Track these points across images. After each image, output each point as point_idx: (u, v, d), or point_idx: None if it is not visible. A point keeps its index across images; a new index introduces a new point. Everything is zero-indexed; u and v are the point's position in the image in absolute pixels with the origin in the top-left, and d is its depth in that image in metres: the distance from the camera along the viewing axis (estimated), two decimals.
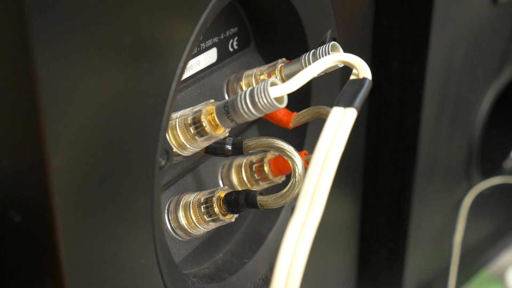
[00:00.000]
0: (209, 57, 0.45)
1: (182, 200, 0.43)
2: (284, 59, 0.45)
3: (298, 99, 0.44)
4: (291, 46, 0.47)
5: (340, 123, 0.35)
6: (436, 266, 0.67)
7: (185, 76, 0.43)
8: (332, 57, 0.39)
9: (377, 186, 0.61)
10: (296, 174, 0.41)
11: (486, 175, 0.67)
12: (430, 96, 0.56)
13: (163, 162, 0.37)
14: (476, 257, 0.72)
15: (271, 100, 0.36)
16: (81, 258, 0.33)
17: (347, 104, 0.36)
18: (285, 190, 0.41)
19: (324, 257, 0.58)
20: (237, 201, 0.42)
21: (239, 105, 0.37)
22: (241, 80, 0.46)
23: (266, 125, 0.49)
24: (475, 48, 0.59)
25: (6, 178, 0.32)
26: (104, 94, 0.32)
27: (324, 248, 0.57)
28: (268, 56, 0.48)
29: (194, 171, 0.45)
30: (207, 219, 0.42)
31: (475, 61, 0.60)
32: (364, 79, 0.37)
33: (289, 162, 0.41)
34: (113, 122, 0.33)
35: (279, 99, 0.36)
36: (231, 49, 0.47)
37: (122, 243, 0.35)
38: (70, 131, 0.31)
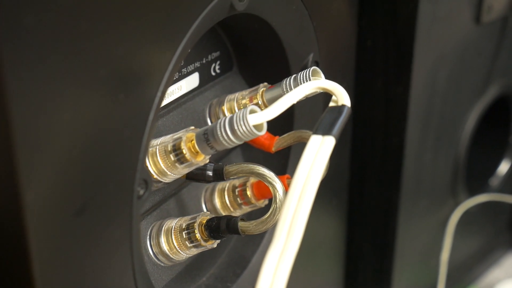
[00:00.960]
0: (191, 82, 0.45)
1: (164, 225, 0.43)
2: (266, 83, 0.44)
3: (281, 122, 0.44)
4: (273, 69, 0.47)
5: (318, 151, 0.35)
6: (423, 285, 0.67)
7: (166, 101, 0.43)
8: (312, 84, 0.39)
9: (362, 206, 0.61)
10: (277, 200, 0.41)
11: (472, 192, 0.67)
12: (415, 116, 0.56)
13: (141, 192, 0.37)
14: (463, 274, 0.72)
15: (250, 127, 0.36)
16: None
17: (326, 132, 0.35)
18: (266, 216, 0.41)
19: (310, 278, 0.57)
20: (218, 227, 0.41)
21: (219, 133, 0.37)
22: (223, 105, 0.46)
23: (250, 148, 0.49)
24: (459, 68, 0.59)
25: None
26: (79, 128, 0.32)
27: (310, 268, 0.57)
28: (251, 79, 0.48)
29: (177, 195, 0.45)
30: (188, 245, 0.42)
31: (459, 81, 0.60)
32: (343, 106, 0.37)
33: (270, 188, 0.41)
34: (89, 155, 0.33)
35: (258, 127, 0.36)
36: (213, 73, 0.47)
37: (100, 273, 0.35)
38: (45, 166, 0.31)
